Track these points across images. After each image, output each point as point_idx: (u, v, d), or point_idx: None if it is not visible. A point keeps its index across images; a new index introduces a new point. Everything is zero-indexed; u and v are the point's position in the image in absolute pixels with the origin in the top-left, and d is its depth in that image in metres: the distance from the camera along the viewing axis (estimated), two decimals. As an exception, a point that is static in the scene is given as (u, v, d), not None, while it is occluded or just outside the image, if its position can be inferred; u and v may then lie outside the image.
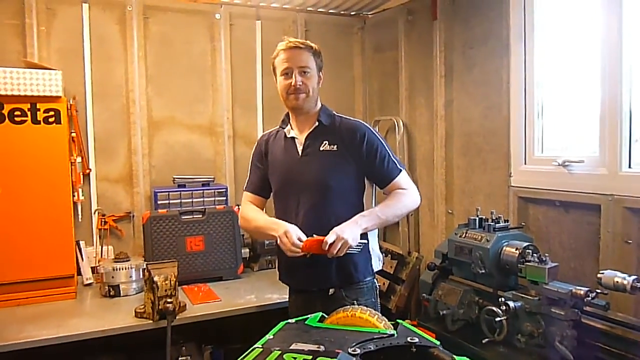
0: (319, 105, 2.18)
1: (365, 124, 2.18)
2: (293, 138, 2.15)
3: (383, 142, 2.13)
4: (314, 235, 1.92)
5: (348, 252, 1.91)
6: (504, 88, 2.71)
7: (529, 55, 2.62)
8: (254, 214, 2.20)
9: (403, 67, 3.47)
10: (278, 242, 1.96)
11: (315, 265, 2.01)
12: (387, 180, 2.11)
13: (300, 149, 2.13)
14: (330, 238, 1.86)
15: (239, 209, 3.10)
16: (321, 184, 2.07)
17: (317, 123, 2.12)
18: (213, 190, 3.21)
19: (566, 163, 2.38)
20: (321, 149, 2.09)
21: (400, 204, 2.08)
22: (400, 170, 2.12)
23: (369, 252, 2.14)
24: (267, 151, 2.23)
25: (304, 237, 1.93)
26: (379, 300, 2.22)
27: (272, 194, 2.23)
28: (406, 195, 2.10)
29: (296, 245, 1.90)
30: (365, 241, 2.08)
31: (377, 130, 2.19)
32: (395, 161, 2.13)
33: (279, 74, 2.10)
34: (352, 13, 3.75)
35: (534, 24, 2.60)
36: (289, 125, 2.18)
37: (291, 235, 1.91)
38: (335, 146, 2.09)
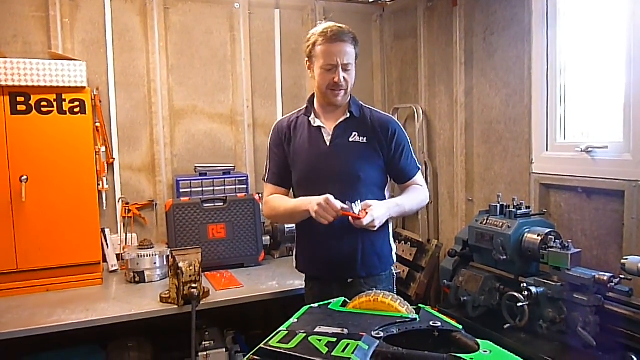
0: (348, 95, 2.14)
1: (396, 120, 2.20)
2: (319, 127, 2.10)
3: (407, 137, 2.16)
4: (347, 205, 1.86)
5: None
6: (526, 74, 2.68)
7: (552, 40, 2.58)
8: (281, 200, 2.15)
9: (423, 54, 3.45)
10: (316, 210, 1.86)
11: (340, 255, 2.05)
12: (407, 177, 2.15)
13: (328, 139, 2.08)
14: (366, 220, 1.83)
15: (259, 197, 3.15)
16: (350, 174, 2.04)
17: (348, 114, 2.09)
18: (234, 179, 3.25)
19: (589, 149, 2.36)
20: (350, 140, 2.06)
21: (419, 199, 2.14)
22: (419, 169, 2.19)
23: (390, 244, 2.18)
24: (289, 138, 2.15)
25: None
26: (395, 288, 2.23)
27: (294, 183, 2.17)
28: (422, 191, 2.16)
29: (337, 210, 1.83)
30: (389, 231, 2.16)
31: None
32: (415, 159, 2.18)
33: (319, 66, 2.01)
34: (371, 0, 3.73)
35: (557, 8, 2.56)
36: (313, 113, 2.13)
37: (333, 203, 1.84)
38: (365, 138, 2.07)
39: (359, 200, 1.88)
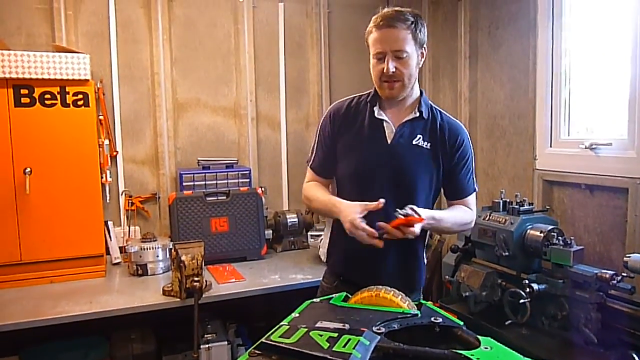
0: (418, 91, 1.89)
1: (465, 128, 1.95)
2: (383, 121, 1.86)
3: (472, 153, 1.93)
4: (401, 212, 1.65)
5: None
6: (531, 69, 2.67)
7: (557, 35, 2.57)
8: (314, 192, 1.95)
9: (427, 48, 3.43)
10: (348, 229, 1.69)
11: (382, 266, 1.85)
12: (459, 195, 1.91)
13: (390, 136, 1.85)
14: (417, 229, 1.64)
15: (262, 190, 3.16)
16: (407, 181, 1.84)
17: (417, 113, 1.85)
18: (237, 172, 3.25)
19: (593, 146, 2.35)
20: (414, 142, 1.84)
21: (462, 221, 1.89)
22: (475, 191, 1.95)
23: (424, 260, 1.99)
24: (342, 124, 1.92)
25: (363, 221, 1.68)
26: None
27: (340, 175, 1.94)
28: (468, 215, 1.91)
29: (373, 234, 1.65)
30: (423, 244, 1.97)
31: None
32: (474, 178, 1.95)
33: (372, 55, 1.81)
34: (376, -6, 3.70)
35: (562, 3, 2.54)
36: (378, 103, 1.88)
37: (361, 226, 1.65)
38: (430, 144, 1.85)
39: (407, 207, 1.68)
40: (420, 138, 1.84)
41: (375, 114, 1.86)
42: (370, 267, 1.86)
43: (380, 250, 1.69)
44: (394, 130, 1.85)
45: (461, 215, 1.89)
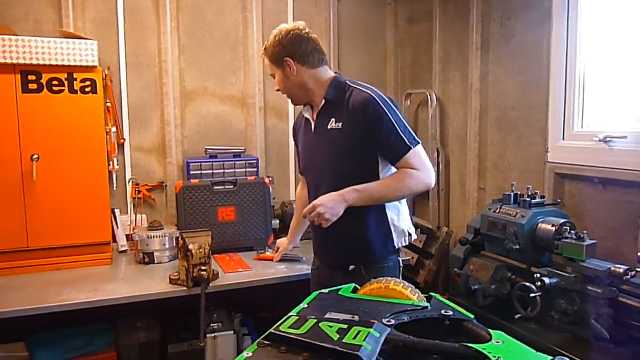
0: (323, 80, 2.05)
1: (374, 93, 1.93)
2: (307, 118, 2.15)
3: (392, 113, 1.89)
4: None
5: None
6: (544, 60, 2.62)
7: (572, 26, 2.51)
8: (297, 203, 2.58)
9: (437, 39, 3.38)
10: None
11: (334, 241, 2.06)
12: (395, 158, 1.92)
13: (313, 127, 2.11)
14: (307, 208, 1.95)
15: (270, 180, 3.14)
16: (330, 166, 2.01)
17: (323, 101, 2.04)
18: (244, 162, 3.23)
19: (607, 138, 2.30)
20: (329, 127, 2.01)
21: (401, 184, 1.91)
22: (410, 148, 1.89)
23: (390, 229, 2.03)
24: (296, 130, 2.31)
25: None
26: (400, 278, 2.13)
27: None
28: (412, 176, 1.90)
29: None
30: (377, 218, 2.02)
31: (390, 99, 1.95)
32: (404, 137, 1.89)
33: None
34: (386, -17, 3.66)
35: (579, -7, 2.49)
36: (308, 104, 2.15)
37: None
38: (341, 124, 1.97)
39: None
40: (333, 121, 2.00)
41: (303, 114, 2.17)
42: (323, 246, 2.18)
43: (326, 231, 1.95)
44: (315, 122, 2.10)
45: (393, 180, 1.94)
